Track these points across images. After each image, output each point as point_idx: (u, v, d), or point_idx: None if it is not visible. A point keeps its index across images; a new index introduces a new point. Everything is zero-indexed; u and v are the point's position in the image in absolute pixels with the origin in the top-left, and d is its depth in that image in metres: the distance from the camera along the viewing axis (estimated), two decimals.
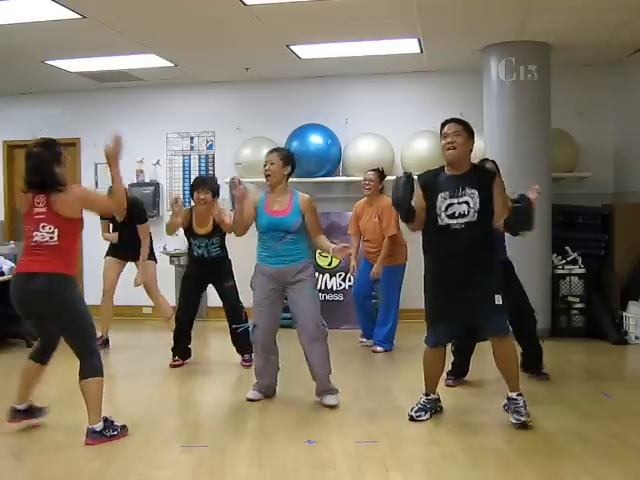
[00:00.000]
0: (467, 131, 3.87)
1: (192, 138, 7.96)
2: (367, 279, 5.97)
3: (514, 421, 3.82)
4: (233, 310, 5.43)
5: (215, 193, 5.36)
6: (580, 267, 6.48)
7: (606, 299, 6.51)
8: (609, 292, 6.54)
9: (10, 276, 6.21)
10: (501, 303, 3.80)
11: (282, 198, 4.38)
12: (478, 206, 3.76)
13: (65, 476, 3.28)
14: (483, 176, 3.90)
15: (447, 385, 4.76)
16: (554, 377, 5.11)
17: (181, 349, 5.52)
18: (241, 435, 3.86)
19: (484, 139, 6.54)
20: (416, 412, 3.99)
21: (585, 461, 3.33)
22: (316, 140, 7.22)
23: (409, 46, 6.37)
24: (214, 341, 6.73)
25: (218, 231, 5.30)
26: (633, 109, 6.78)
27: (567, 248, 6.57)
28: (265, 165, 4.40)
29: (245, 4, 5.02)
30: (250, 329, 4.49)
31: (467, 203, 3.76)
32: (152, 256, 6.28)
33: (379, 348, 5.95)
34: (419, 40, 6.16)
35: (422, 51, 6.54)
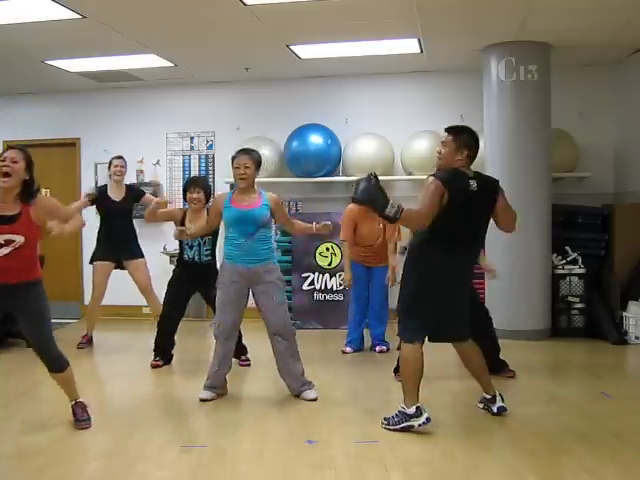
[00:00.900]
0: (455, 140, 3.91)
1: (192, 138, 7.96)
2: (367, 284, 5.96)
3: (495, 411, 3.99)
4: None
5: (208, 193, 5.36)
6: (580, 267, 6.48)
7: (606, 299, 6.51)
8: (609, 292, 6.54)
9: None
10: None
11: (251, 196, 4.50)
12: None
13: (65, 476, 3.28)
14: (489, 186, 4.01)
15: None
16: (555, 377, 5.12)
17: (163, 352, 5.47)
18: (241, 435, 3.86)
19: (484, 139, 6.54)
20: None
21: (585, 460, 3.33)
22: (316, 140, 7.22)
23: (409, 46, 6.37)
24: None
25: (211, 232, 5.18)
26: (633, 109, 6.78)
27: (567, 248, 6.57)
28: (239, 168, 4.48)
29: (245, 4, 5.02)
30: (214, 327, 4.53)
31: None
32: (141, 252, 6.28)
33: (384, 347, 5.96)
34: (419, 40, 6.16)
35: (422, 51, 6.54)
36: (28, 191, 3.64)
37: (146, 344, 6.47)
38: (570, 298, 6.46)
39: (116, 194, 6.18)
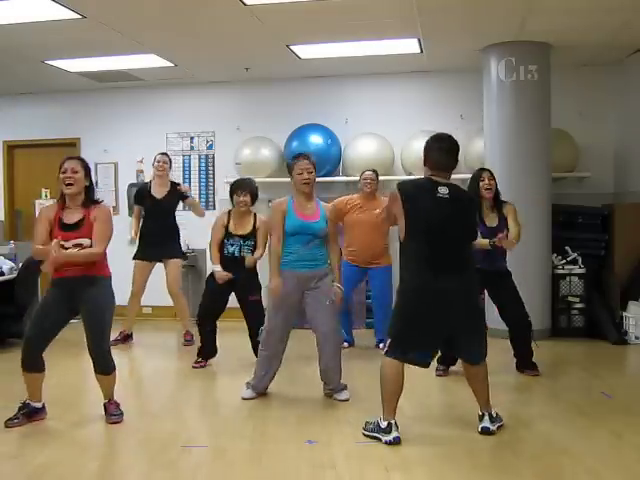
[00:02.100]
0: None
1: (192, 138, 7.96)
2: (354, 283, 5.97)
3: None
4: (255, 324, 5.05)
5: (254, 196, 5.33)
6: (580, 267, 6.48)
7: (606, 299, 6.51)
8: (609, 292, 6.54)
9: (10, 276, 6.23)
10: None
11: (310, 204, 4.47)
12: None
13: (65, 476, 3.28)
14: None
15: (438, 375, 4.85)
16: (555, 377, 5.11)
17: (207, 350, 5.39)
18: (241, 435, 3.86)
19: (484, 139, 6.54)
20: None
21: (585, 461, 3.33)
22: (316, 140, 7.22)
23: (409, 46, 6.37)
24: (217, 341, 6.71)
25: (255, 235, 5.28)
26: (633, 109, 6.78)
27: (567, 248, 6.57)
28: (302, 173, 4.40)
29: (245, 4, 5.02)
30: (261, 333, 4.53)
31: None
32: (180, 253, 6.31)
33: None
34: (419, 40, 6.16)
35: (422, 51, 6.54)
36: (90, 197, 3.95)
37: (146, 344, 6.48)
38: (570, 298, 6.46)
39: (159, 191, 6.17)
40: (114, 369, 4.04)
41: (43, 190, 8.28)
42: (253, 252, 5.27)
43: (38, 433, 3.86)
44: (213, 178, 7.86)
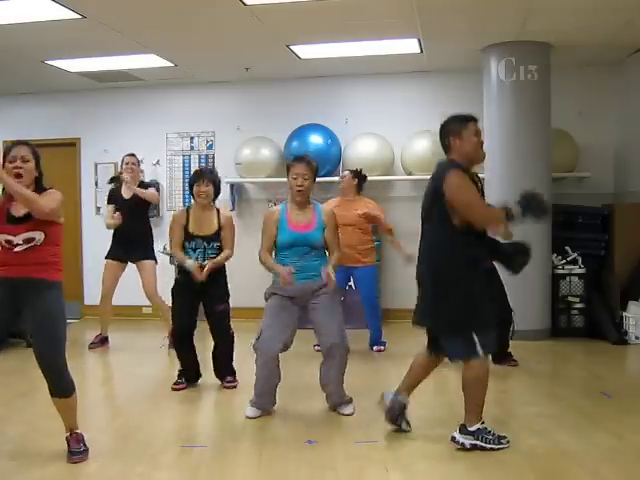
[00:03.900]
0: None
1: (192, 138, 7.96)
2: (340, 284, 5.96)
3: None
4: (223, 338, 4.82)
5: (217, 187, 4.82)
6: (580, 267, 6.48)
7: (606, 299, 6.51)
8: (609, 292, 6.54)
9: None
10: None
11: (305, 211, 4.17)
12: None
13: (65, 476, 3.28)
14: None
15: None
16: (555, 377, 5.11)
17: (190, 372, 4.87)
18: (241, 435, 3.86)
19: (484, 139, 6.53)
20: (505, 439, 3.52)
21: (585, 461, 3.33)
22: (316, 140, 7.22)
23: (409, 46, 6.37)
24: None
25: (220, 236, 4.74)
26: (633, 109, 6.77)
27: (567, 248, 6.57)
28: (296, 178, 4.11)
29: (245, 4, 5.02)
30: (255, 339, 4.13)
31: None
32: (153, 255, 6.23)
33: (381, 347, 6.04)
34: (419, 40, 6.16)
35: (422, 51, 6.54)
36: (40, 187, 3.48)
37: (146, 344, 6.48)
38: (570, 298, 6.46)
39: (127, 192, 6.10)
40: (74, 389, 3.43)
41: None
42: (218, 254, 4.74)
43: (38, 433, 3.85)
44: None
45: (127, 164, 6.13)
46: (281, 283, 4.04)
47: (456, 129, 3.68)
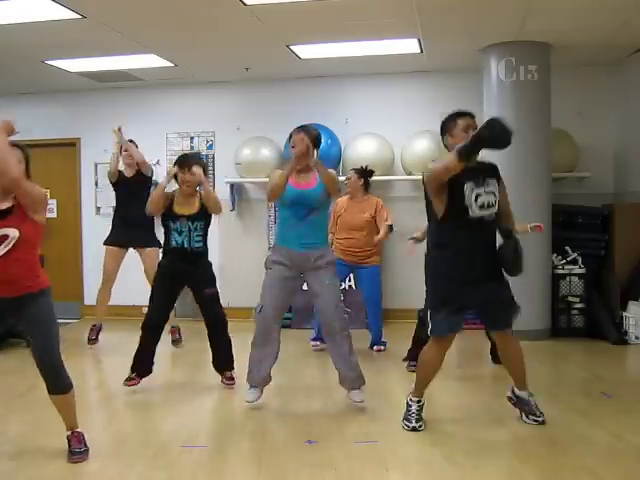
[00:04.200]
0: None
1: (192, 138, 7.96)
2: (340, 278, 5.98)
3: (532, 423, 3.86)
4: (215, 323, 4.80)
5: (204, 173, 4.75)
6: (580, 267, 6.48)
7: (606, 299, 6.51)
8: (609, 292, 6.54)
9: None
10: (514, 301, 3.86)
11: (307, 174, 4.25)
12: (499, 196, 3.70)
13: (65, 476, 3.28)
14: (492, 167, 3.84)
15: (411, 371, 4.88)
16: (555, 377, 5.11)
17: (143, 363, 4.76)
18: (241, 435, 3.86)
19: None
20: (417, 422, 3.81)
21: (585, 461, 3.33)
22: None
23: (409, 46, 6.37)
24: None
25: (205, 214, 4.73)
26: (633, 109, 6.78)
27: (567, 248, 6.57)
28: (294, 147, 4.20)
29: (245, 4, 5.02)
30: (256, 310, 4.21)
31: (493, 193, 3.66)
32: (156, 242, 6.12)
33: (382, 347, 6.06)
34: (419, 40, 6.16)
35: (422, 51, 6.54)
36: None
37: None
38: (570, 298, 6.46)
39: (128, 172, 6.14)
40: (71, 386, 3.46)
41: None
42: (204, 237, 4.72)
43: (38, 433, 3.85)
44: (213, 178, 7.86)
45: (126, 150, 6.15)
46: (292, 163, 4.13)
47: (448, 127, 3.81)
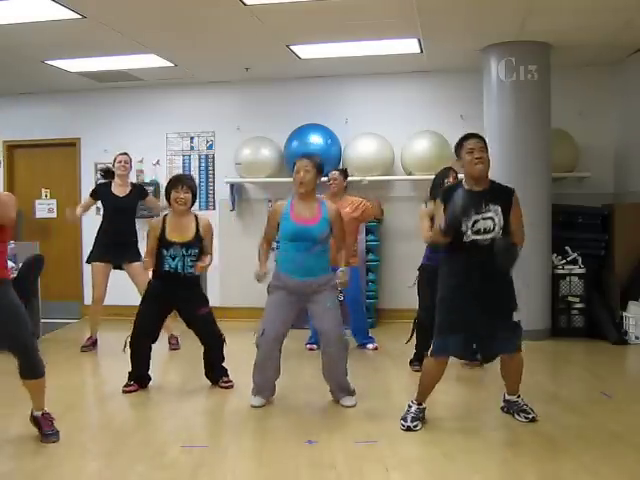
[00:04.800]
0: (487, 147, 3.86)
1: (192, 138, 7.96)
2: None
3: (523, 420, 3.92)
4: (213, 344, 4.79)
5: (194, 195, 4.77)
6: (580, 267, 6.48)
7: (606, 299, 6.51)
8: (609, 292, 6.53)
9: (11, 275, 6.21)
10: (517, 321, 3.86)
11: (311, 205, 4.22)
12: (502, 222, 3.75)
13: (65, 476, 3.28)
14: (503, 192, 3.88)
15: (415, 371, 4.92)
16: (555, 377, 5.10)
17: (139, 374, 4.79)
18: (241, 435, 3.86)
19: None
20: (412, 422, 3.87)
21: (585, 461, 3.33)
22: (316, 140, 7.21)
23: (409, 46, 6.37)
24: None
25: (199, 241, 4.68)
26: (633, 109, 6.77)
27: (567, 248, 6.57)
28: (299, 172, 4.19)
29: (245, 4, 5.02)
30: (258, 333, 4.26)
31: (492, 219, 3.74)
32: (140, 256, 6.14)
33: (375, 345, 6.09)
34: (419, 40, 6.16)
35: (422, 51, 6.54)
36: None
37: None
38: (570, 298, 6.45)
39: (119, 190, 6.07)
40: (43, 373, 3.64)
41: (43, 190, 8.29)
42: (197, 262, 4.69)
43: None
44: (213, 178, 7.86)
45: (120, 162, 6.11)
46: (254, 275, 4.26)
47: (456, 149, 3.90)
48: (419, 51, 6.54)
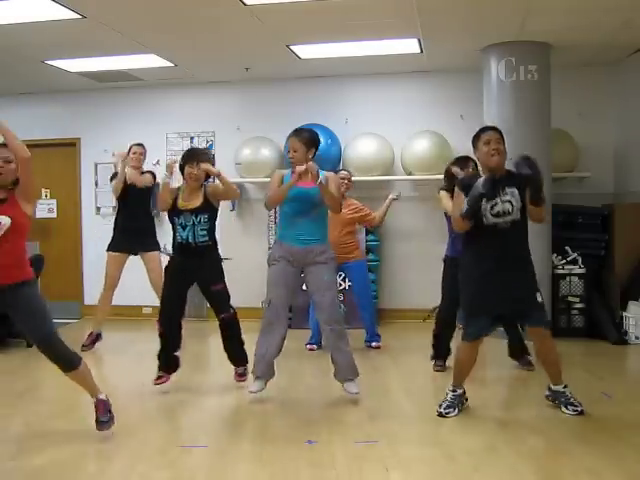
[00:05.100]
0: (503, 139, 4.06)
1: (192, 138, 7.96)
2: None
3: (571, 413, 4.02)
4: (226, 318, 4.77)
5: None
6: (580, 267, 6.48)
7: (606, 299, 6.51)
8: (609, 292, 6.54)
9: None
10: (542, 300, 4.06)
11: (308, 175, 4.31)
12: (520, 203, 3.91)
13: (65, 476, 3.28)
14: (519, 176, 4.01)
15: (437, 370, 5.06)
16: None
17: (167, 358, 4.76)
18: (241, 435, 3.86)
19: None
20: (445, 409, 4.05)
21: (585, 461, 3.33)
22: None
23: (409, 46, 6.37)
24: (214, 341, 6.73)
25: (209, 208, 4.67)
26: (633, 109, 6.78)
27: (567, 248, 6.57)
28: (289, 152, 4.39)
29: (245, 4, 5.02)
30: (265, 305, 4.41)
31: (509, 202, 3.91)
32: (157, 245, 6.19)
33: (380, 343, 6.12)
34: (419, 40, 6.16)
35: (422, 51, 6.54)
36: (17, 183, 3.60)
37: (146, 344, 6.46)
38: (570, 298, 6.45)
39: (136, 180, 6.08)
40: (79, 361, 3.74)
41: (43, 190, 8.29)
42: (209, 231, 4.65)
43: (38, 433, 3.85)
44: (213, 178, 7.85)
45: (134, 154, 6.14)
46: (292, 179, 4.28)
47: (474, 141, 4.08)
48: (419, 51, 6.54)
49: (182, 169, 4.67)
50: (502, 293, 3.90)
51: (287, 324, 4.44)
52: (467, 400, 4.21)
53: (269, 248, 4.66)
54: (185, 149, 7.85)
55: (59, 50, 6.34)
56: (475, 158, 4.27)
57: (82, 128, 8.07)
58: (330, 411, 4.26)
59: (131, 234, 6.04)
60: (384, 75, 7.45)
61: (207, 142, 7.92)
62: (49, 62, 6.72)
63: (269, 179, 7.29)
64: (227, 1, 4.96)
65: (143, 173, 6.17)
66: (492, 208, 3.88)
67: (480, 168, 4.20)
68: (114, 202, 6.93)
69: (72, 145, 8.16)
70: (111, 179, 6.27)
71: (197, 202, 4.65)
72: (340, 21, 5.53)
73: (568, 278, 6.46)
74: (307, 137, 4.40)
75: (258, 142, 7.43)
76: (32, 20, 5.29)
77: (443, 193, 4.90)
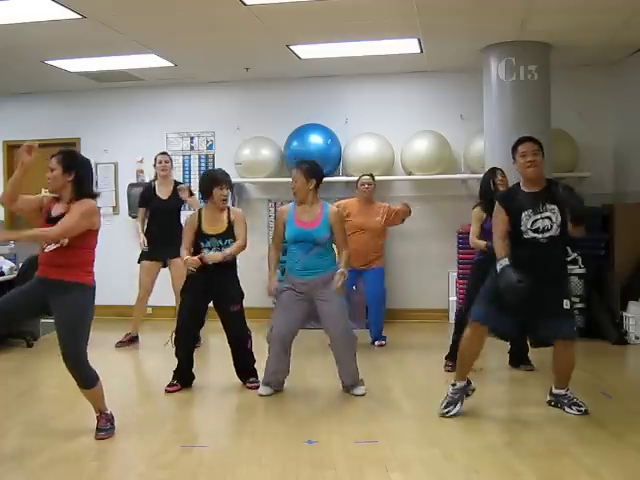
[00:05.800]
0: (542, 150, 4.04)
1: (192, 138, 7.96)
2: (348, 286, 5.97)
3: (576, 413, 4.04)
4: (239, 339, 4.81)
5: (231, 189, 5.07)
6: (580, 267, 6.47)
7: (606, 299, 6.51)
8: (609, 292, 6.54)
9: (10, 276, 6.22)
10: (568, 307, 4.00)
11: (312, 209, 4.52)
12: (560, 220, 3.92)
13: (65, 476, 3.28)
14: (561, 195, 3.99)
15: (447, 371, 5.01)
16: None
17: (182, 373, 4.82)
18: (241, 435, 3.86)
19: (484, 139, 6.54)
20: (445, 407, 4.06)
21: (585, 461, 3.33)
22: (316, 140, 7.22)
23: (409, 46, 6.37)
24: (214, 341, 6.73)
25: (232, 232, 4.75)
26: (633, 109, 6.78)
27: (567, 248, 6.55)
28: (292, 182, 4.54)
29: (245, 4, 5.02)
30: (268, 330, 4.56)
31: (549, 218, 3.93)
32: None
33: (383, 342, 6.22)
34: (419, 40, 6.16)
35: (422, 51, 6.54)
36: (77, 191, 3.77)
37: (146, 344, 6.48)
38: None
39: (164, 192, 6.18)
40: (96, 381, 3.72)
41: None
42: (233, 256, 4.78)
43: (38, 433, 3.85)
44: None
45: (160, 163, 6.21)
46: (267, 292, 4.64)
47: (512, 153, 4.11)
48: (419, 51, 6.54)
49: (208, 192, 4.74)
50: (533, 303, 3.84)
51: (289, 350, 4.59)
52: (474, 390, 4.20)
53: (269, 248, 4.70)
54: (184, 150, 7.93)
55: (59, 50, 6.33)
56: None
57: (82, 128, 8.06)
58: (330, 411, 4.26)
59: (164, 243, 6.03)
60: (384, 75, 7.45)
61: (207, 142, 7.93)
62: (49, 62, 6.72)
63: (269, 179, 7.39)
64: (227, 1, 4.96)
65: (177, 184, 6.23)
66: (533, 224, 3.92)
67: (520, 179, 4.16)
68: (114, 202, 6.91)
69: (72, 145, 8.14)
70: (140, 204, 6.35)
71: (223, 227, 4.75)
72: (340, 21, 5.53)
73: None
74: (306, 168, 4.52)
75: (258, 142, 7.43)
76: (32, 20, 5.28)
77: (477, 215, 4.95)
